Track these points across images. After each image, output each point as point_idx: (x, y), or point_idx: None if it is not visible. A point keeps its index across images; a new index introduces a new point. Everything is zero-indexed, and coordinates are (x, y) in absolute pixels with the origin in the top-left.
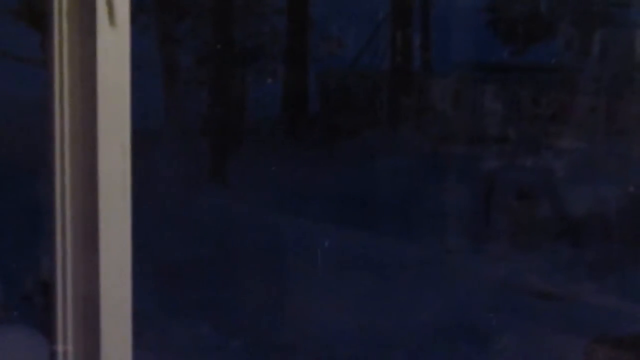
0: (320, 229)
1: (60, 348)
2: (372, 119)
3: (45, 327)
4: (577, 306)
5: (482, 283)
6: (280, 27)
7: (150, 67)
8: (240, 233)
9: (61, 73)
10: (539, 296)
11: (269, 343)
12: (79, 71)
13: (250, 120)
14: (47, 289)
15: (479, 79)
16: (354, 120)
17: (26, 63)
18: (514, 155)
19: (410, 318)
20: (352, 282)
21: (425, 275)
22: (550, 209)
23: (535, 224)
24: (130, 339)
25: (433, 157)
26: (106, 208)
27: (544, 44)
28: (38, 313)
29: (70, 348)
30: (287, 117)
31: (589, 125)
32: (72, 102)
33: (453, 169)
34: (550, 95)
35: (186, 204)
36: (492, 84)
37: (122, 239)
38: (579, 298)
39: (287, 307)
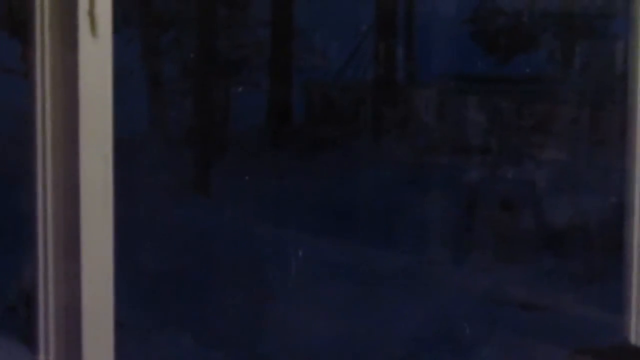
0: (302, 239)
1: (42, 358)
2: (355, 129)
3: (28, 337)
4: (559, 316)
5: (463, 293)
6: (264, 39)
7: (133, 77)
8: (220, 244)
9: (43, 83)
10: (520, 306)
11: (247, 353)
12: (61, 81)
13: (234, 131)
14: (29, 299)
15: (462, 90)
16: (337, 131)
17: (7, 73)
18: (495, 166)
19: (390, 328)
20: (332, 292)
21: (405, 286)
22: (532, 219)
23: (517, 235)
24: (112, 350)
25: (416, 168)
26: (88, 217)
27: (527, 55)
28: (21, 323)
29: (51, 359)
30: (270, 128)
31: (571, 136)
32: (54, 112)
33: (435, 179)
34: (533, 106)
35: (166, 214)
36: (474, 95)
37: (104, 249)
38: (561, 308)
39: (266, 318)
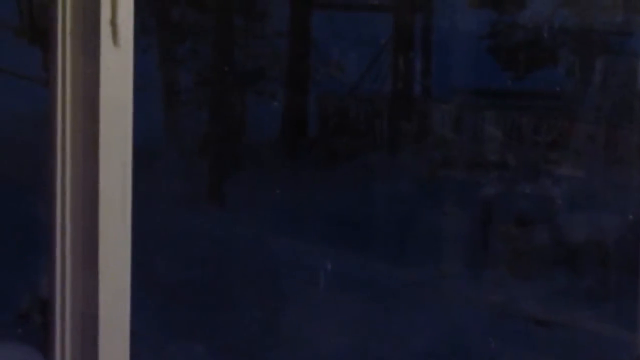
0: (316, 251)
1: None
2: (371, 142)
3: (43, 345)
4: (574, 333)
5: (477, 308)
6: (281, 50)
7: (151, 86)
8: (232, 254)
9: (64, 91)
10: (535, 322)
11: None
12: (81, 89)
13: (250, 141)
14: (44, 306)
15: (478, 105)
16: (353, 143)
17: (27, 80)
18: (512, 181)
19: (404, 342)
20: (345, 305)
21: (419, 300)
22: (547, 235)
23: (532, 251)
24: (128, 358)
25: (432, 182)
26: (106, 224)
27: (545, 71)
28: (36, 331)
29: None
30: (286, 139)
31: (588, 152)
32: (74, 120)
33: (451, 194)
34: (550, 122)
35: (179, 224)
36: (491, 110)
37: (122, 257)
38: (575, 325)
39: (279, 329)
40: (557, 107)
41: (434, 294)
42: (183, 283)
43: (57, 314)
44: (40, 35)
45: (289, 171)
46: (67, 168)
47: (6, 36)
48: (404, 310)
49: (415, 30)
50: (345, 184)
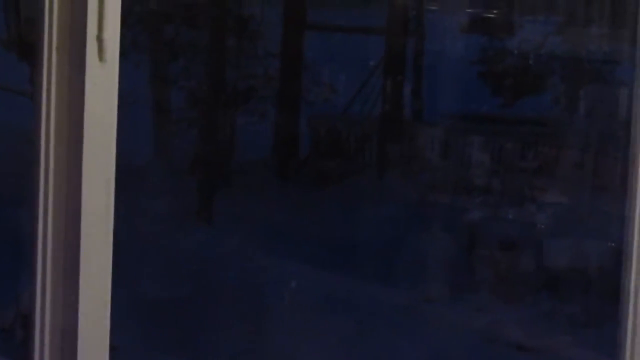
0: (300, 271)
1: None
2: (360, 165)
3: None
4: (554, 358)
5: (459, 333)
6: (273, 70)
7: (140, 102)
8: (218, 272)
9: (48, 105)
10: (517, 347)
11: None
12: (66, 104)
13: (240, 161)
14: (26, 321)
15: (467, 130)
16: (343, 165)
17: (16, 95)
18: (497, 206)
19: None
20: (327, 326)
21: (401, 323)
22: (531, 261)
23: (516, 276)
24: None
25: (419, 206)
26: (88, 242)
27: (533, 97)
28: (18, 345)
29: None
30: (276, 160)
31: (573, 180)
32: (58, 135)
33: (437, 218)
34: (537, 148)
35: (167, 242)
36: (479, 135)
37: (103, 274)
38: (556, 350)
39: (261, 350)
40: (544, 134)
41: (415, 317)
42: (167, 299)
43: (37, 328)
44: (28, 49)
45: (278, 191)
46: (50, 183)
47: None
48: (385, 333)
49: (407, 54)
50: (334, 205)
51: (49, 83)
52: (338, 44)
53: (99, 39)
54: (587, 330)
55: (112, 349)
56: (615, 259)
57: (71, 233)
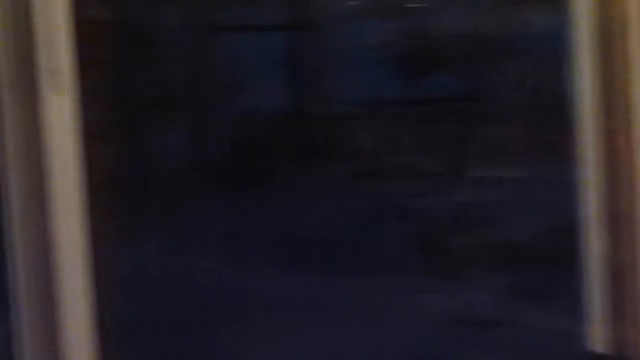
0: (231, 270)
1: None
2: (278, 161)
3: None
4: (516, 332)
5: (419, 316)
6: (183, 77)
7: None
8: (144, 281)
9: (2, 144)
10: (482, 324)
11: None
12: (22, 140)
13: (158, 172)
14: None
15: (377, 114)
16: (262, 164)
17: None
18: (425, 186)
19: (342, 352)
20: (272, 320)
21: (351, 311)
22: (472, 239)
23: (464, 254)
24: None
25: (345, 194)
26: (63, 272)
27: (442, 76)
28: None
29: None
30: (195, 166)
31: (496, 152)
32: (17, 172)
33: (356, 202)
34: (451, 126)
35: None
36: (390, 118)
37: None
38: (517, 324)
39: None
40: (456, 111)
41: (367, 304)
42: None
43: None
44: None
45: (200, 196)
46: (15, 221)
47: None
48: (335, 322)
49: (310, 46)
50: (258, 203)
51: (2, 121)
52: (247, 43)
53: (50, 71)
54: (545, 300)
55: None
56: (554, 228)
57: (42, 268)
